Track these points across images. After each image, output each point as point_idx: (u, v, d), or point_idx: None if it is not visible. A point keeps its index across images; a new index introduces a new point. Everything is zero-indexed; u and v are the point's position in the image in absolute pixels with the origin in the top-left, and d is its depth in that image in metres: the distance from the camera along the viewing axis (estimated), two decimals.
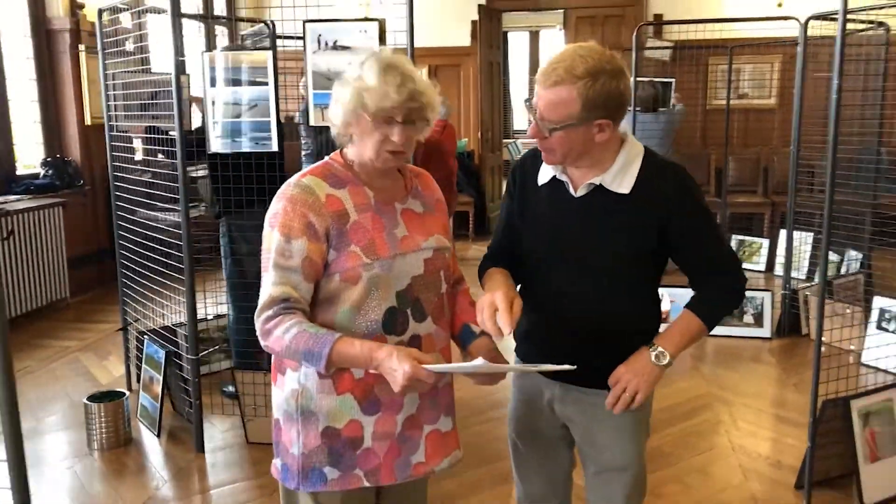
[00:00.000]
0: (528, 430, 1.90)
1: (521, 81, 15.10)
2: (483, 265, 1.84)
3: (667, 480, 3.05)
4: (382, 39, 2.92)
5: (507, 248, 1.85)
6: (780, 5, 8.11)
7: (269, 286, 1.58)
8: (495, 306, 1.57)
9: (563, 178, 1.72)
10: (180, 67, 2.97)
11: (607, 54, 1.57)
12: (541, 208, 1.76)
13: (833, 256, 5.48)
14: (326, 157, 1.69)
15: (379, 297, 1.60)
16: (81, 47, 5.99)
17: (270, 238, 1.60)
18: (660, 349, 1.68)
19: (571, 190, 1.70)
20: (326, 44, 2.92)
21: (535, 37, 15.33)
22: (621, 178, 1.67)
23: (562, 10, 9.39)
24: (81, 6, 6.08)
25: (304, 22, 2.93)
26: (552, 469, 1.92)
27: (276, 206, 1.61)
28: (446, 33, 8.44)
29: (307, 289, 1.59)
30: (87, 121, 6.10)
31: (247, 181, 3.39)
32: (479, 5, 8.44)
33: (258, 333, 1.60)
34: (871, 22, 5.13)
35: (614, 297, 1.71)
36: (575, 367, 1.55)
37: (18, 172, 5.77)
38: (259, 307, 1.59)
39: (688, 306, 1.74)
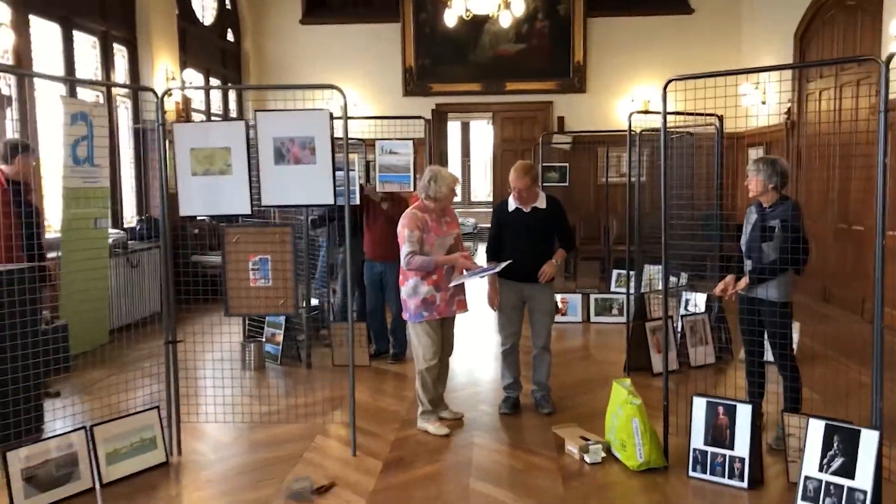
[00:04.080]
0: (509, 304, 4.79)
1: (455, 161, 18.32)
2: (488, 253, 4.79)
3: (568, 369, 5.92)
4: (416, 150, 5.86)
5: (497, 242, 4.80)
6: (645, 110, 11.51)
7: (406, 247, 4.42)
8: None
9: (520, 206, 4.68)
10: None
11: (528, 162, 4.62)
12: (513, 220, 4.73)
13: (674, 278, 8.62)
14: (419, 202, 4.57)
15: (437, 251, 4.48)
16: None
17: (403, 232, 4.45)
18: (554, 259, 4.62)
19: (524, 210, 4.67)
20: (385, 150, 5.84)
21: (465, 126, 18.74)
22: (541, 202, 4.68)
23: (491, 112, 12.66)
24: (166, 112, 8.82)
25: (375, 140, 5.86)
26: (517, 320, 4.83)
27: (404, 220, 4.49)
28: (408, 131, 11.50)
29: (419, 248, 4.44)
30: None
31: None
32: (432, 110, 11.58)
33: (404, 264, 4.44)
34: (684, 132, 8.40)
35: (540, 249, 4.67)
36: (511, 261, 4.51)
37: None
38: (404, 256, 4.42)
39: (561, 246, 4.70)
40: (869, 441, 3.30)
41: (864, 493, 3.27)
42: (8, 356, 3.88)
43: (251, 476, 3.94)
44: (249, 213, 4.08)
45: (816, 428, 3.47)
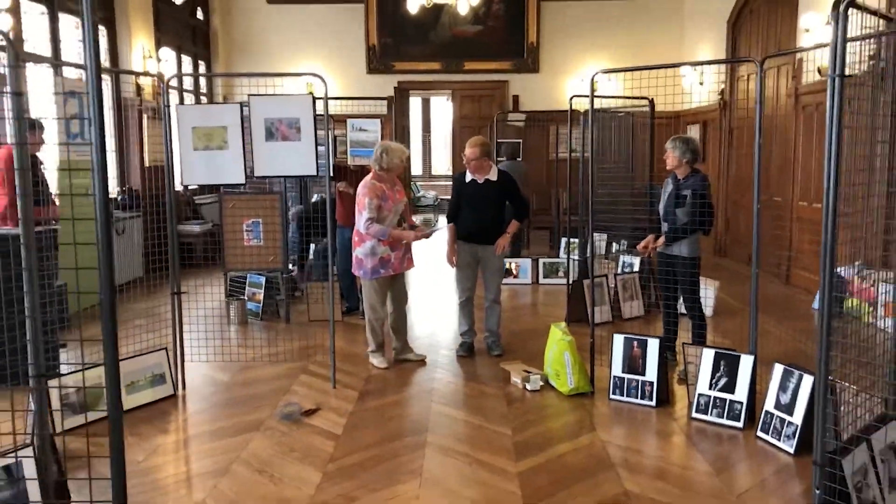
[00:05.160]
0: (464, 262, 5.56)
1: (417, 136, 18.99)
2: (448, 217, 5.54)
3: (518, 321, 6.75)
4: (383, 126, 6.57)
5: (456, 208, 5.54)
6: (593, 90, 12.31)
7: (367, 213, 5.15)
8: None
9: (476, 177, 5.44)
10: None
11: (481, 137, 5.38)
12: (469, 189, 5.48)
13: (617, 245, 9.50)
14: (373, 171, 5.31)
15: (392, 218, 5.24)
16: (144, 117, 9.26)
17: (363, 199, 5.18)
18: (507, 232, 5.40)
19: (479, 181, 5.44)
20: (355, 127, 6.54)
21: (426, 102, 19.40)
22: (493, 175, 5.45)
23: (451, 90, 13.36)
24: (143, 89, 9.37)
25: (347, 118, 6.55)
26: (472, 276, 5.61)
27: (364, 189, 5.21)
28: (373, 108, 12.16)
29: (377, 215, 5.18)
30: (147, 163, 9.32)
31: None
32: (394, 87, 12.24)
33: (363, 230, 5.17)
34: (624, 113, 9.23)
35: (492, 217, 5.44)
36: (445, 226, 5.36)
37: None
38: (364, 221, 5.15)
39: (514, 217, 5.50)
40: (746, 364, 4.18)
41: (741, 403, 4.16)
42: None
43: (247, 404, 4.69)
44: (244, 182, 4.78)
45: (708, 355, 4.34)
